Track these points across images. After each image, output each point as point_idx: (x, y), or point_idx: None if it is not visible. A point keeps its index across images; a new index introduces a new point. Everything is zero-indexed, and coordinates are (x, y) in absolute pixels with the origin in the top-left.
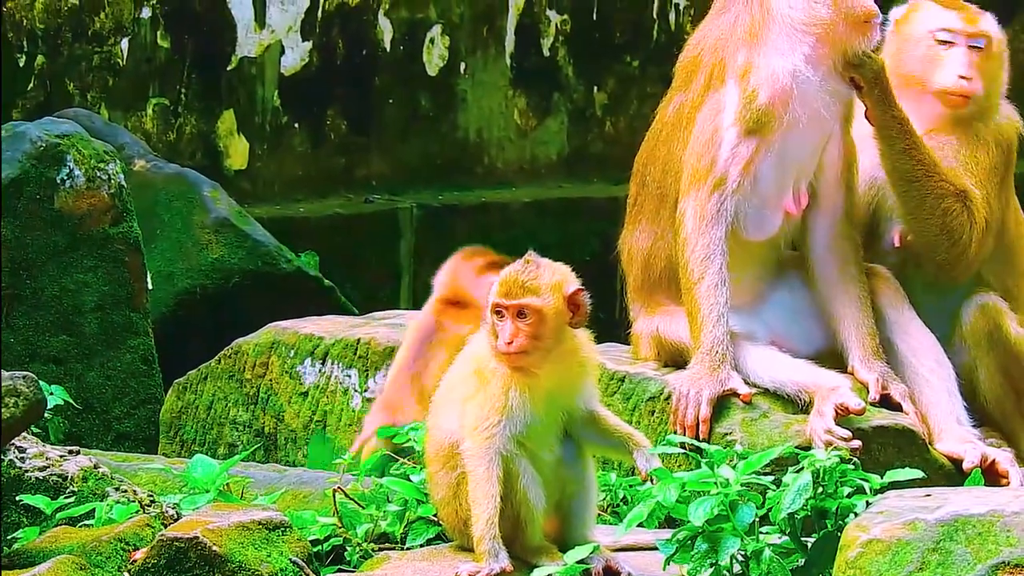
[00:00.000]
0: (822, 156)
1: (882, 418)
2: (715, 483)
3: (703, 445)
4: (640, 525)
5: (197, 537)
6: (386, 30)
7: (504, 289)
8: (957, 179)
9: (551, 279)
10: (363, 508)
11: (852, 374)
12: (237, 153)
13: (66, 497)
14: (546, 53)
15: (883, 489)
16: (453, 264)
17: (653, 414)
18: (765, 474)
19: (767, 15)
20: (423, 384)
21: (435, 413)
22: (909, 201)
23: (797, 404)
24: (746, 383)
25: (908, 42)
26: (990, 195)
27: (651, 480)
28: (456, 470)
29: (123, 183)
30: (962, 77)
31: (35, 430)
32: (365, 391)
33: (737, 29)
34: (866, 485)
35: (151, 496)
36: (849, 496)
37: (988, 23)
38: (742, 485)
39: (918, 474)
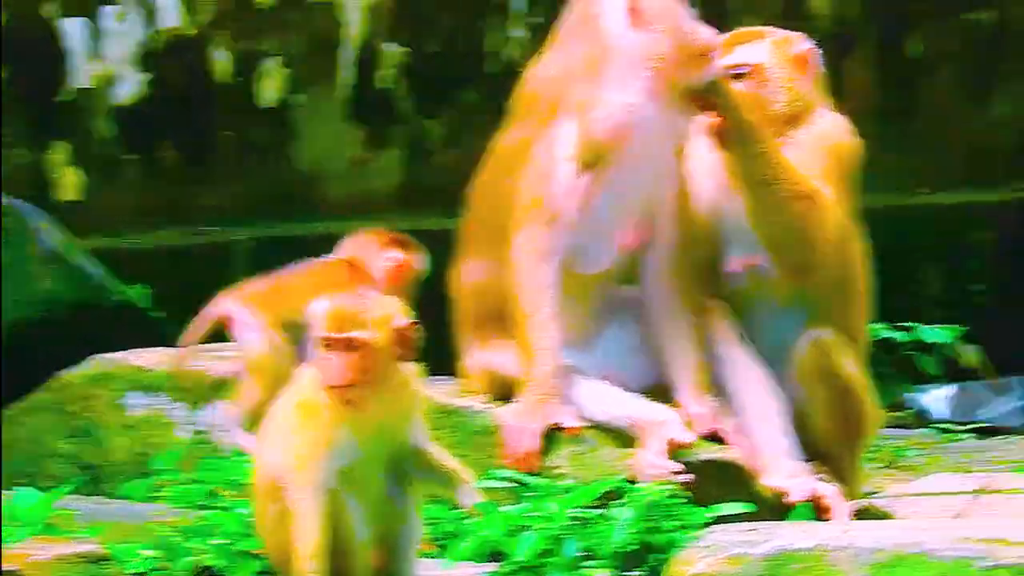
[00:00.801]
0: (658, 190)
1: (711, 452)
2: (542, 517)
3: (531, 479)
4: (467, 559)
5: (16, 571)
6: (222, 61)
7: (333, 323)
8: (806, 180)
9: (380, 313)
10: (187, 541)
11: (682, 408)
12: (70, 184)
13: None
14: (383, 85)
15: (710, 523)
16: (356, 238)
17: (483, 447)
18: (593, 508)
19: (605, 49)
20: None
21: (261, 446)
22: (760, 206)
23: (627, 438)
24: (576, 417)
25: None
26: (835, 197)
27: (477, 514)
28: (281, 504)
29: None
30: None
31: None
32: (192, 423)
33: (575, 62)
34: (694, 519)
35: None
36: (677, 530)
37: (742, 53)
38: (569, 519)
39: (746, 508)
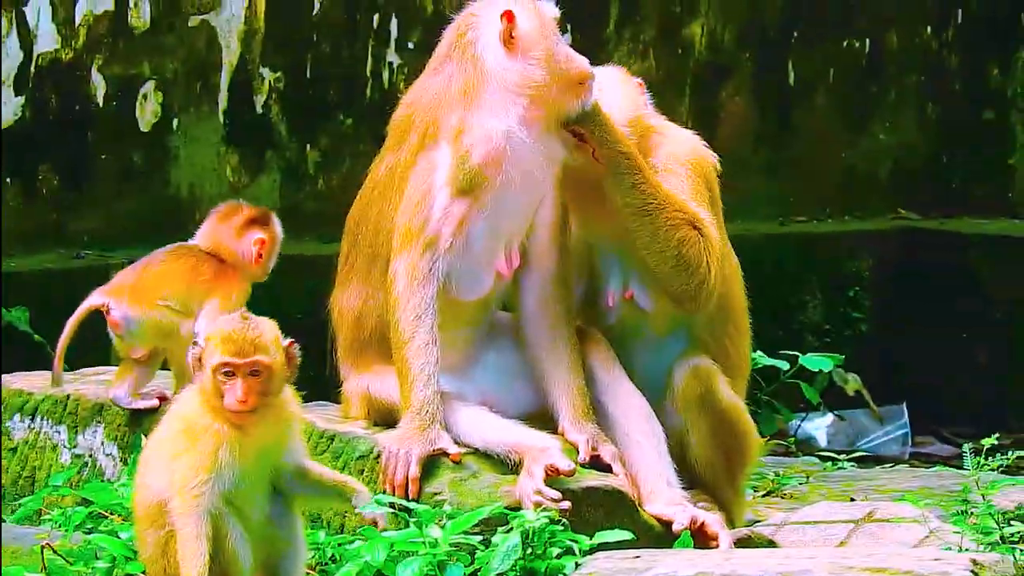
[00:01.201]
0: (535, 217)
1: (592, 479)
2: (424, 543)
3: (412, 505)
4: None
5: None
6: (99, 85)
7: (233, 348)
8: (686, 207)
9: (272, 334)
10: (71, 564)
11: (562, 435)
12: None
13: None
14: (259, 110)
15: (593, 550)
16: (210, 226)
17: (363, 473)
18: (474, 534)
19: (481, 76)
20: None
21: (143, 471)
22: (644, 235)
23: (507, 465)
24: (456, 443)
25: None
26: (713, 220)
27: (375, 523)
28: (164, 528)
29: None
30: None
31: None
32: (75, 447)
33: (451, 89)
34: (575, 546)
35: None
36: (559, 557)
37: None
38: (451, 545)
39: (627, 535)
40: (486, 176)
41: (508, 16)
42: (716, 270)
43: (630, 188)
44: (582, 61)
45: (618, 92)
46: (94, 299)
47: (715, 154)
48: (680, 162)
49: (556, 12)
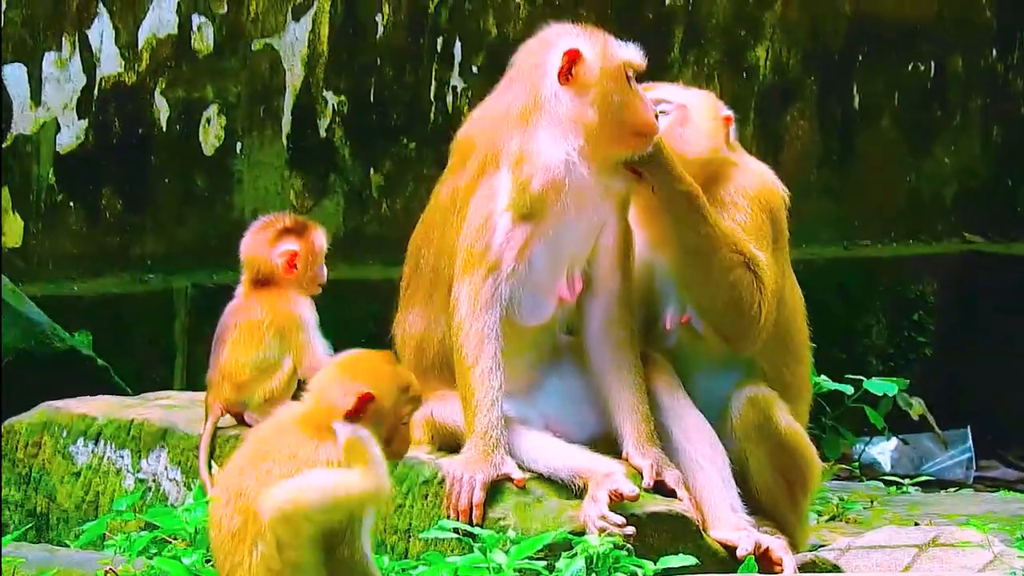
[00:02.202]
0: (598, 242)
1: (656, 504)
2: (488, 568)
3: (476, 530)
4: None
5: None
6: (162, 109)
7: (414, 386)
8: (744, 246)
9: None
10: None
11: (626, 460)
12: (11, 231)
13: None
14: (323, 134)
15: (657, 575)
16: (248, 237)
17: (427, 498)
18: (538, 559)
19: (539, 105)
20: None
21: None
22: (697, 275)
23: (571, 489)
24: (520, 468)
25: None
26: (769, 260)
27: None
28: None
29: None
30: (655, 115)
31: None
32: (138, 472)
33: (511, 114)
34: (639, 571)
35: None
36: None
37: (669, 91)
38: (515, 570)
39: (692, 560)
40: (546, 203)
41: (570, 54)
42: (767, 312)
43: (686, 228)
44: (645, 113)
45: (699, 126)
46: (214, 413)
47: (782, 184)
48: (747, 196)
49: (636, 57)
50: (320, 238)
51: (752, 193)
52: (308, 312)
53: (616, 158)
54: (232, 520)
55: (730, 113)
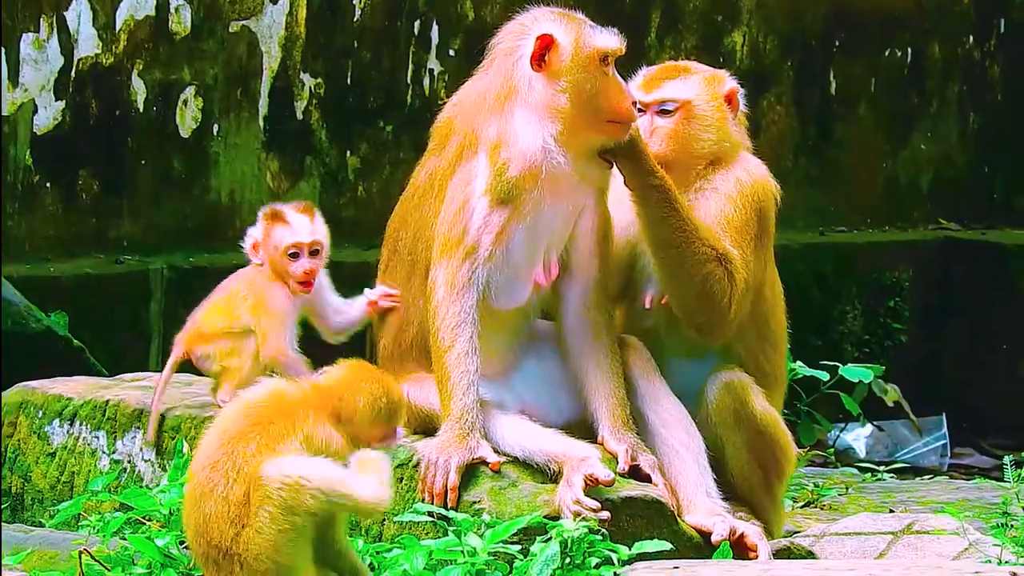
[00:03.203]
0: (575, 227)
1: (631, 489)
2: (462, 552)
3: (451, 513)
4: None
5: None
6: (140, 91)
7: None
8: (717, 242)
9: None
10: (109, 570)
11: (602, 444)
12: None
13: None
14: (299, 116)
15: (631, 560)
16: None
17: (402, 481)
18: (513, 543)
19: (515, 90)
20: None
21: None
22: (668, 267)
23: (546, 473)
24: (495, 452)
25: None
26: (746, 255)
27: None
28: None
29: None
30: (632, 102)
31: None
32: (113, 452)
33: (489, 98)
34: (614, 556)
35: None
36: (597, 567)
37: (671, 88)
38: (489, 554)
39: (666, 546)
40: (524, 188)
41: (542, 39)
42: (737, 307)
43: (659, 221)
44: (620, 100)
45: (704, 121)
46: (177, 349)
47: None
48: (739, 189)
49: (613, 44)
50: (281, 232)
51: (744, 187)
52: (281, 301)
53: (592, 145)
54: (230, 489)
55: (734, 86)
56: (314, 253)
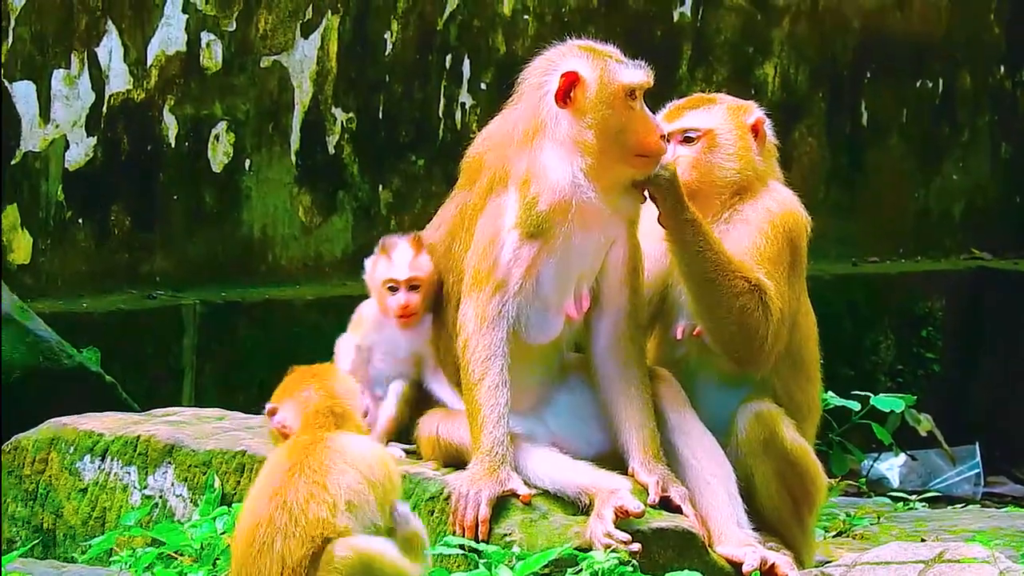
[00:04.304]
0: (606, 259)
1: (662, 520)
2: None
3: (482, 546)
4: None
5: None
6: (171, 126)
7: None
8: (751, 273)
9: None
10: None
11: (632, 476)
12: (20, 248)
13: None
14: (331, 151)
15: None
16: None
17: (433, 514)
18: (544, 575)
19: (540, 126)
20: None
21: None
22: (704, 300)
23: (577, 506)
24: (526, 484)
25: None
26: (780, 285)
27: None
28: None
29: None
30: (661, 136)
31: None
32: (144, 488)
33: (518, 133)
34: None
35: None
36: None
37: (694, 117)
38: None
39: None
40: (554, 222)
41: (567, 76)
42: (774, 338)
43: (694, 255)
44: (647, 135)
45: (727, 150)
46: None
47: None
48: (769, 219)
49: (639, 78)
50: (372, 264)
51: (775, 217)
52: (345, 340)
53: (622, 178)
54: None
55: (760, 115)
56: (413, 288)
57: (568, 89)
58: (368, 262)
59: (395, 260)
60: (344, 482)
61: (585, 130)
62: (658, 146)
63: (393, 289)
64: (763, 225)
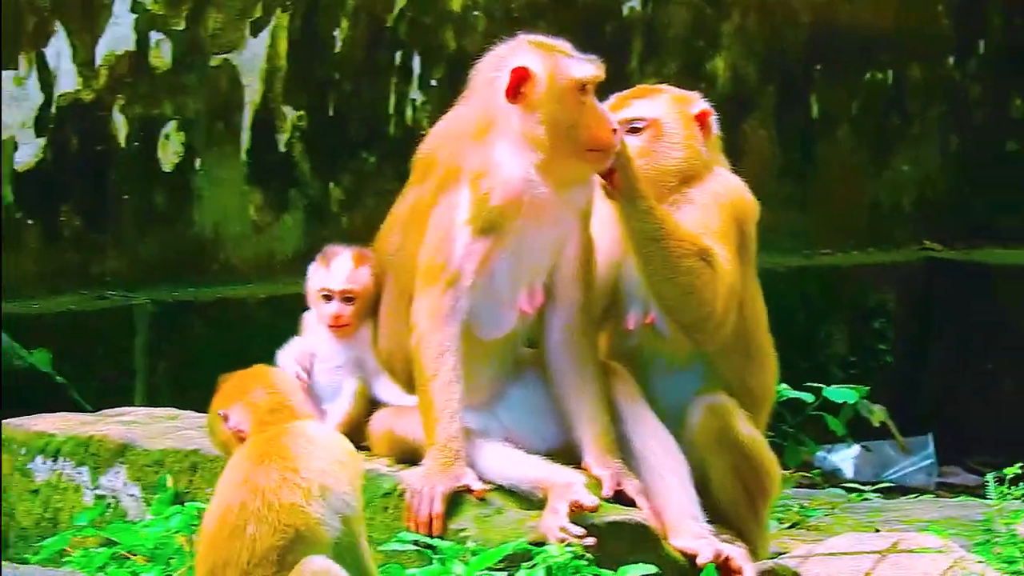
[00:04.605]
0: (559, 254)
1: (616, 514)
2: None
3: (436, 541)
4: None
5: None
6: (121, 126)
7: None
8: (698, 239)
9: None
10: None
11: (586, 470)
12: None
13: None
14: (282, 149)
15: None
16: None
17: (387, 510)
18: (498, 570)
19: (491, 121)
20: None
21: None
22: (654, 262)
23: (531, 501)
24: (480, 479)
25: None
26: (728, 255)
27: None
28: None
29: None
30: (613, 130)
31: None
32: (97, 488)
33: (470, 129)
34: None
35: None
36: None
37: (639, 107)
38: None
39: (652, 569)
40: (506, 217)
41: (516, 72)
42: (723, 302)
43: (644, 213)
44: (599, 130)
45: (673, 138)
46: None
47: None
48: (717, 201)
49: (590, 72)
50: (312, 271)
51: (721, 198)
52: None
53: (575, 174)
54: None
55: (705, 106)
56: (348, 300)
57: (518, 85)
58: (310, 268)
59: (333, 270)
60: (315, 466)
61: (536, 126)
62: (610, 140)
63: (328, 298)
64: (710, 204)
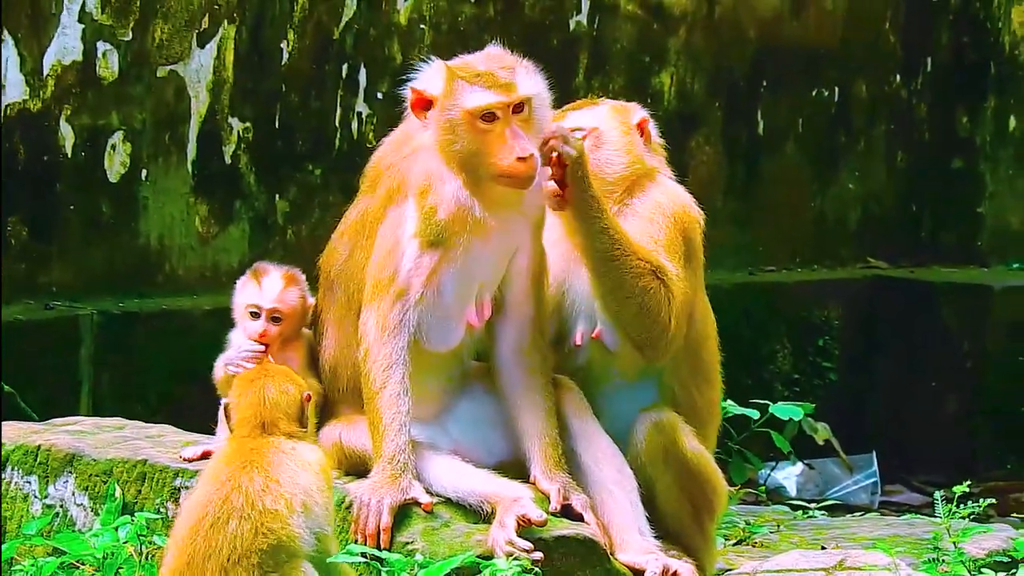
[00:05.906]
0: (510, 267)
1: (564, 528)
2: None
3: (384, 554)
4: None
5: None
6: (67, 136)
7: None
8: (651, 256)
9: None
10: None
11: (534, 484)
12: None
13: None
14: (228, 160)
15: None
16: None
17: (336, 523)
18: None
19: (420, 139)
20: None
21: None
22: (607, 281)
23: (479, 514)
24: (428, 492)
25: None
26: (679, 270)
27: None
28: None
29: None
30: (520, 159)
31: None
32: (45, 497)
33: (411, 144)
34: None
35: None
36: None
37: (578, 118)
38: None
39: None
40: (453, 231)
41: (415, 94)
42: (676, 320)
43: (598, 232)
44: (502, 157)
45: (614, 146)
46: None
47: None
48: (662, 212)
49: (485, 101)
50: (241, 286)
51: (666, 209)
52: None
53: (501, 195)
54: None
55: (644, 115)
56: (275, 319)
57: (421, 107)
58: (238, 283)
59: (264, 288)
60: (300, 481)
61: (443, 150)
62: (515, 169)
63: (255, 315)
64: (655, 216)
